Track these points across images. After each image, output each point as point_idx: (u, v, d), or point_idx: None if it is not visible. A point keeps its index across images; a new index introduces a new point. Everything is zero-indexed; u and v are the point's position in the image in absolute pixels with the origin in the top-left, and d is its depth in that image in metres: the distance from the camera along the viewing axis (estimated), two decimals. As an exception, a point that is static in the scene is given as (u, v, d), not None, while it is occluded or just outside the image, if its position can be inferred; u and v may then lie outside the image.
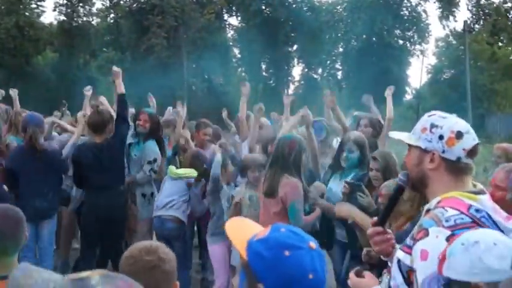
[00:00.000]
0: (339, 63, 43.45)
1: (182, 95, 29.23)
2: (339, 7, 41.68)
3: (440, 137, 1.78)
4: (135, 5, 36.45)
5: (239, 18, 41.19)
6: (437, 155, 1.79)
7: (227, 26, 42.07)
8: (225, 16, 41.25)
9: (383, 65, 36.37)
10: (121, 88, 4.91)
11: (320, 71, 44.11)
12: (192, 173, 5.12)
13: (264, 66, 41.66)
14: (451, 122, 1.80)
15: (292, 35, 39.26)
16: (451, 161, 1.78)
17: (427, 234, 1.62)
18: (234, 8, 40.18)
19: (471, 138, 1.78)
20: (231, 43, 42.24)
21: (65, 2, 41.21)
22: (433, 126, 1.81)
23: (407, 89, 42.27)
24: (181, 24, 35.27)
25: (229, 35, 42.51)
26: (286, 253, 1.25)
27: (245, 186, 4.63)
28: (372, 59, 36.04)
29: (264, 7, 38.43)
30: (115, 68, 5.13)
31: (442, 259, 1.44)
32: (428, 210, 1.75)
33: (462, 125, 1.80)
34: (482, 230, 1.52)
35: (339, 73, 43.85)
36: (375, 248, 2.06)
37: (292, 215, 3.89)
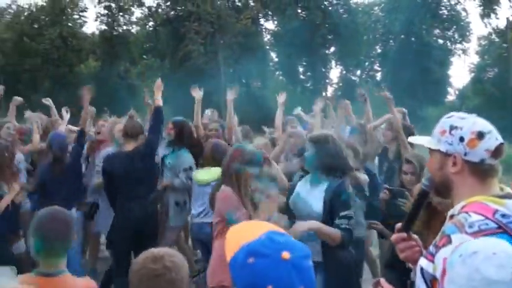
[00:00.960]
0: (378, 65, 42.95)
1: (219, 100, 29.43)
2: (376, 8, 41.20)
3: (461, 139, 1.71)
4: (172, 13, 36.96)
5: (275, 22, 41.23)
6: (459, 158, 1.72)
7: (263, 30, 42.16)
8: (261, 21, 41.35)
9: (423, 65, 35.68)
10: (159, 101, 4.94)
11: (358, 72, 43.71)
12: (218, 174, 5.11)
13: (301, 69, 41.53)
14: (471, 123, 1.72)
15: (329, 37, 38.99)
16: (474, 163, 1.70)
17: (449, 241, 1.54)
18: (270, 12, 40.23)
19: (494, 138, 1.70)
20: (267, 47, 42.31)
21: (106, 12, 42.25)
22: (452, 128, 1.74)
23: (449, 89, 41.42)
24: (218, 30, 35.54)
25: (265, 39, 42.59)
26: (250, 260, 1.20)
27: None
28: (410, 59, 35.39)
29: (299, 10, 38.36)
30: (159, 81, 5.15)
31: (443, 272, 1.40)
32: (452, 216, 1.68)
33: (483, 124, 1.72)
34: (484, 240, 1.45)
35: (378, 74, 43.34)
36: (400, 255, 1.96)
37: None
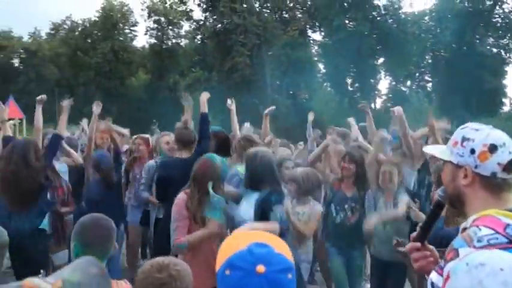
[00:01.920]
0: (428, 75, 42.07)
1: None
2: (426, 18, 40.44)
3: (472, 151, 1.67)
4: (219, 26, 37.48)
5: (323, 33, 41.08)
6: (469, 171, 1.67)
7: (311, 41, 42.11)
8: (309, 32, 41.29)
9: (475, 75, 34.62)
10: (205, 108, 5.00)
11: (408, 83, 42.92)
12: None
13: (349, 81, 41.15)
14: (484, 135, 1.67)
15: (378, 47, 38.52)
16: (485, 176, 1.65)
17: (457, 255, 1.49)
18: (317, 23, 40.17)
19: (507, 152, 1.64)
20: (315, 58, 42.20)
21: (156, 25, 43.33)
22: (464, 139, 1.70)
23: (504, 100, 40.06)
24: (264, 42, 35.74)
25: (313, 50, 42.51)
26: (227, 272, 1.22)
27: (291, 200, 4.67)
28: (463, 69, 34.48)
29: (347, 21, 38.09)
30: (204, 96, 5.23)
31: (447, 277, 1.37)
32: (465, 229, 1.62)
33: (496, 137, 1.67)
34: (494, 252, 1.39)
35: (429, 85, 42.43)
36: (414, 265, 1.92)
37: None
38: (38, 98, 5.28)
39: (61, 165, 5.49)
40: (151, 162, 5.74)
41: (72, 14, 67.27)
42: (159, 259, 1.84)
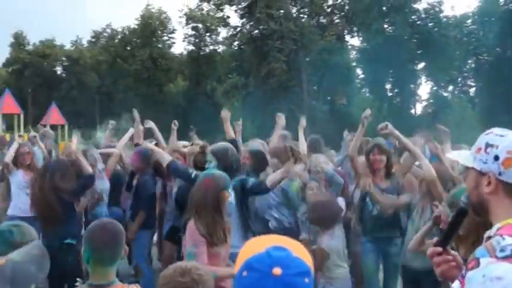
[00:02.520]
0: (471, 80, 41.11)
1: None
2: (468, 21, 39.58)
3: (496, 158, 1.63)
4: (256, 32, 37.69)
5: (361, 38, 40.72)
6: (493, 178, 1.63)
7: (349, 46, 41.81)
8: (347, 37, 41.01)
9: (521, 79, 33.69)
10: (230, 132, 5.15)
11: (450, 88, 42.05)
12: None
13: (388, 86, 40.62)
14: (508, 141, 1.63)
15: (418, 52, 37.89)
16: (509, 184, 1.61)
17: (478, 264, 1.47)
18: (355, 28, 39.86)
19: None
20: (353, 64, 41.87)
21: (193, 32, 43.87)
22: (488, 145, 1.66)
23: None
24: (301, 47, 35.66)
25: (351, 55, 42.19)
26: (244, 273, 1.23)
27: None
28: (507, 73, 33.54)
29: (386, 26, 37.63)
30: (225, 114, 5.28)
31: (462, 284, 1.36)
32: (489, 237, 1.59)
33: None
34: None
35: (472, 90, 41.46)
36: (436, 270, 1.89)
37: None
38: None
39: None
40: None
41: (112, 22, 69.13)
42: (181, 263, 1.87)
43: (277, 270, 1.20)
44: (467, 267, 1.54)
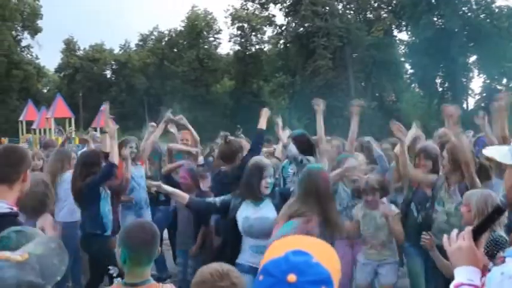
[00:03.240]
0: (527, 71, 39.90)
1: (349, 115, 29.45)
2: (523, 10, 38.45)
3: None
4: (301, 29, 37.88)
5: (409, 32, 40.23)
6: None
7: (397, 41, 41.36)
8: (395, 32, 40.61)
9: None
10: (263, 124, 5.08)
11: (505, 81, 40.93)
12: None
13: (438, 81, 39.96)
14: None
15: (469, 45, 37.12)
16: None
17: (503, 262, 1.45)
18: (403, 22, 39.43)
19: None
20: (402, 59, 41.38)
21: (239, 32, 44.53)
22: None
23: None
24: (347, 44, 35.66)
25: (399, 50, 41.72)
26: (260, 278, 1.21)
27: (362, 205, 4.68)
28: None
29: (435, 18, 37.07)
30: (265, 110, 5.26)
31: (482, 285, 1.35)
32: None
33: None
34: None
35: (527, 82, 40.22)
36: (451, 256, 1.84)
37: None
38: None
39: (137, 169, 5.90)
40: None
41: (159, 24, 70.49)
42: (216, 267, 1.86)
43: (292, 277, 1.17)
44: (494, 262, 1.54)
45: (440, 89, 39.91)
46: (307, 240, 1.30)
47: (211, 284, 1.77)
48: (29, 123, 24.32)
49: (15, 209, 2.39)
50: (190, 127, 6.59)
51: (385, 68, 36.21)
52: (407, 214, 4.81)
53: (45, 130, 22.14)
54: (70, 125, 22.55)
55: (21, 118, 25.07)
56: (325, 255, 1.23)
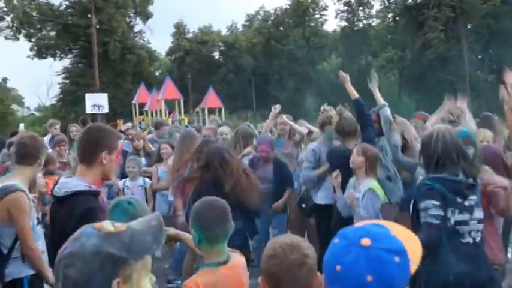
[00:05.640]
0: None
1: (464, 89, 29.53)
2: None
3: None
4: (410, 1, 38.16)
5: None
6: None
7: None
8: (514, -2, 39.36)
9: None
10: (352, 93, 4.96)
11: None
12: None
13: None
14: None
15: None
16: None
17: None
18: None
19: None
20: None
21: (346, 8, 45.47)
22: None
23: None
24: (460, 14, 35.44)
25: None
26: (336, 241, 1.26)
27: None
28: None
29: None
30: (341, 74, 5.19)
31: None
32: None
33: None
34: None
35: None
36: None
37: None
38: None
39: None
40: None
41: (265, 4, 72.45)
42: (285, 239, 1.88)
43: (365, 241, 1.19)
44: None
45: None
46: (392, 224, 1.32)
47: (282, 258, 1.78)
48: (142, 106, 25.83)
49: (93, 187, 2.54)
50: (292, 124, 6.66)
51: (504, 38, 35.39)
52: None
53: (156, 112, 23.25)
54: (179, 107, 23.66)
55: (134, 101, 26.62)
56: (406, 237, 1.26)
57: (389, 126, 4.76)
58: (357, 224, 1.30)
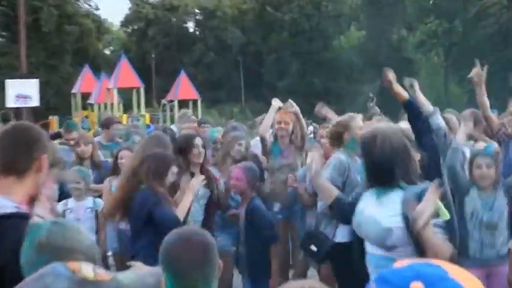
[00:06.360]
0: None
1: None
2: None
3: None
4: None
5: None
6: None
7: None
8: None
9: None
10: (400, 95, 4.97)
11: None
12: None
13: None
14: None
15: None
16: None
17: None
18: None
19: None
20: None
21: (371, -39, 45.16)
22: None
23: None
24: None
25: None
26: (372, 285, 1.29)
27: None
28: None
29: None
30: (386, 73, 5.22)
31: None
32: None
33: None
34: None
35: None
36: None
37: None
38: None
39: None
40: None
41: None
42: (304, 284, 1.87)
43: (417, 285, 1.20)
44: None
45: None
46: (447, 264, 1.32)
47: None
48: (86, 97, 25.69)
49: (23, 208, 2.42)
50: (301, 117, 6.84)
51: None
52: None
53: (106, 105, 23.06)
54: (138, 98, 23.82)
55: (75, 90, 26.38)
56: (466, 277, 1.27)
57: (444, 140, 4.89)
58: (400, 263, 1.31)
